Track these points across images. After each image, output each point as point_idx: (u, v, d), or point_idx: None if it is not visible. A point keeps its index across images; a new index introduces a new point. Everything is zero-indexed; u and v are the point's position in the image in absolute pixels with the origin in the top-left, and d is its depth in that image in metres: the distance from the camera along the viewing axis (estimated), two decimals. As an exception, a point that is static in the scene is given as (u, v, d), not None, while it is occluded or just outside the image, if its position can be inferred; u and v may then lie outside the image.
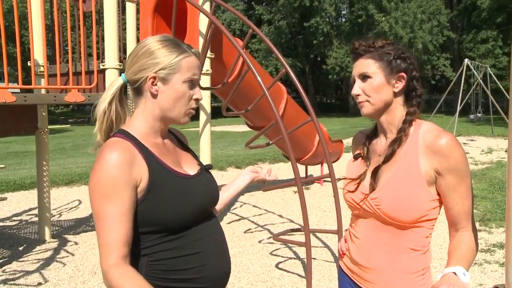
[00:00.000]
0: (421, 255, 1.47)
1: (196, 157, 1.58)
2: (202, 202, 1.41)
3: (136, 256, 1.31)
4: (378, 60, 1.47)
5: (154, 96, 1.38)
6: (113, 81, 1.44)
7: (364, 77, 1.48)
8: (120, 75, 1.45)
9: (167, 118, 1.41)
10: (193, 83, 1.41)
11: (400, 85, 1.49)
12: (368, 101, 1.49)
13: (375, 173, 1.50)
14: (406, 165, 1.44)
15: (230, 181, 1.81)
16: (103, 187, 1.24)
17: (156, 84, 1.37)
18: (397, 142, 1.47)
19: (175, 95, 1.38)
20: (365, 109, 1.50)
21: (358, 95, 1.50)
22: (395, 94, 1.50)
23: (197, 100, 1.43)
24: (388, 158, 1.48)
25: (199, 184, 1.43)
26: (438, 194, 1.44)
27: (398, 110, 1.51)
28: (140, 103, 1.41)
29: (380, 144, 1.57)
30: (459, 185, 1.40)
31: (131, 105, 1.49)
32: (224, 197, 1.72)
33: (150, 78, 1.36)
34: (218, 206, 1.68)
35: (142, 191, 1.30)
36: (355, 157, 1.64)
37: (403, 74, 1.48)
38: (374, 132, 1.63)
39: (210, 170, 1.57)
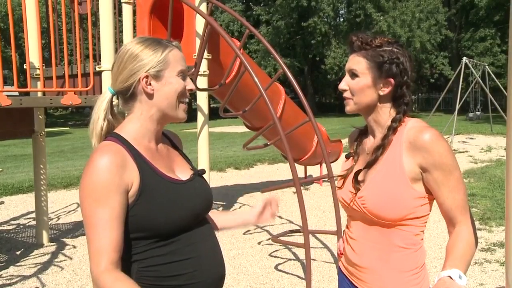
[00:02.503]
0: (412, 253, 1.45)
1: (189, 162, 1.55)
2: (193, 208, 1.38)
3: (126, 262, 1.28)
4: (370, 61, 1.45)
5: (150, 96, 1.36)
6: (101, 96, 1.42)
7: (353, 74, 1.48)
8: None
9: (166, 116, 1.40)
10: (184, 75, 1.41)
11: (386, 90, 1.47)
12: (351, 99, 1.50)
13: (359, 173, 1.51)
14: (390, 163, 1.44)
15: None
16: (94, 191, 1.22)
17: (150, 84, 1.35)
18: (380, 148, 1.47)
19: (170, 90, 1.37)
20: (349, 107, 1.52)
21: (345, 90, 1.51)
22: (381, 98, 1.48)
23: (190, 90, 1.43)
24: (370, 164, 1.48)
25: (191, 189, 1.41)
26: (428, 192, 1.43)
27: (385, 113, 1.50)
28: (134, 109, 1.39)
29: (369, 142, 1.57)
30: (447, 179, 1.39)
31: (121, 112, 1.46)
32: (229, 222, 1.67)
33: (143, 79, 1.34)
34: (220, 224, 1.65)
35: (132, 196, 1.28)
36: (347, 157, 1.65)
37: (391, 79, 1.46)
38: (366, 129, 1.64)
39: (203, 175, 1.54)
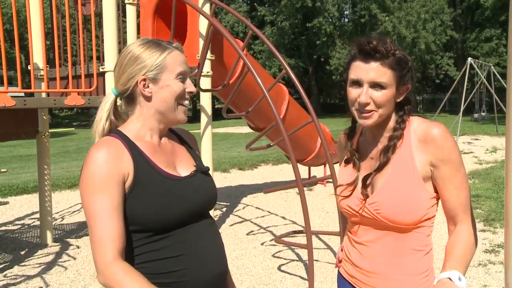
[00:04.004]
0: (424, 256, 1.43)
1: (195, 159, 1.53)
2: (190, 204, 1.37)
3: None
4: (395, 70, 1.36)
5: (148, 98, 1.38)
6: (105, 97, 1.45)
7: (378, 86, 1.36)
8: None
9: (165, 119, 1.41)
10: (184, 77, 1.41)
11: (402, 97, 1.43)
12: (376, 111, 1.39)
13: (367, 178, 1.44)
14: (402, 165, 1.40)
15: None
16: (93, 182, 1.24)
17: (148, 86, 1.37)
18: (390, 149, 1.42)
19: (168, 93, 1.38)
20: (373, 120, 1.40)
21: (367, 104, 1.37)
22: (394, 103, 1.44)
23: (190, 93, 1.43)
24: (382, 166, 1.42)
25: (189, 186, 1.40)
26: (435, 191, 1.41)
27: (391, 115, 1.46)
28: (135, 110, 1.41)
29: (370, 146, 1.51)
30: (454, 176, 1.37)
31: (124, 113, 1.48)
32: None
33: (140, 82, 1.37)
34: None
35: (127, 188, 1.30)
36: (346, 162, 1.57)
37: (409, 86, 1.42)
38: (353, 131, 1.58)
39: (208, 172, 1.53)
